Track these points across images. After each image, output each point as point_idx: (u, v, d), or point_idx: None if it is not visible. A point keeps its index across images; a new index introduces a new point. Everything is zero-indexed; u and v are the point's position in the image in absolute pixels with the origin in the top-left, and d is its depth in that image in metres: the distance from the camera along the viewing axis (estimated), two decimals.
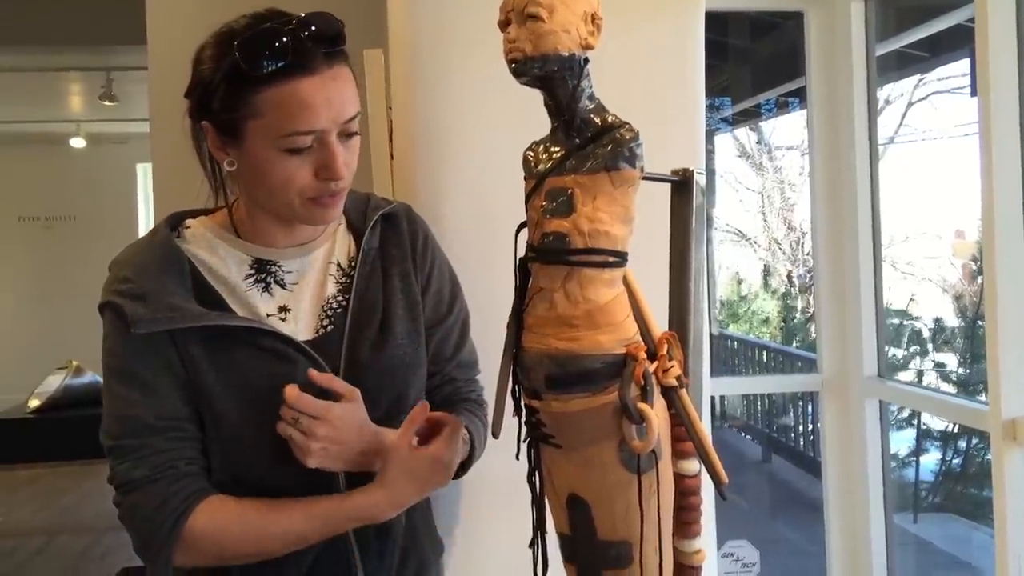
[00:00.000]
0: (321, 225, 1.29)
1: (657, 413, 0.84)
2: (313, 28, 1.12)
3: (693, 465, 0.92)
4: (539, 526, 0.95)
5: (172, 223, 1.28)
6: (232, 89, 1.12)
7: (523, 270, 0.90)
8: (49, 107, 8.15)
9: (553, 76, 0.84)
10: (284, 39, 1.10)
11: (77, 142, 8.56)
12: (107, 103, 6.69)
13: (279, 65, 1.09)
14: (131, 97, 6.80)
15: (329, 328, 1.25)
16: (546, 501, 0.94)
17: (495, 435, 0.95)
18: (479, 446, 1.33)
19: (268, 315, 1.23)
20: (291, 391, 1.13)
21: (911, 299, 6.53)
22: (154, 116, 2.15)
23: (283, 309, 1.25)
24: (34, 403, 7.44)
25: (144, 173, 9.32)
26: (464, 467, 1.31)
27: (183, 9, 2.25)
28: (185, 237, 1.26)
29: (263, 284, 1.25)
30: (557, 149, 0.87)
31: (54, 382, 7.56)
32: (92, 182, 9.04)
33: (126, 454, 1.15)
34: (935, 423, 5.93)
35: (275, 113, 1.11)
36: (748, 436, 7.55)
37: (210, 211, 1.31)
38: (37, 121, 8.39)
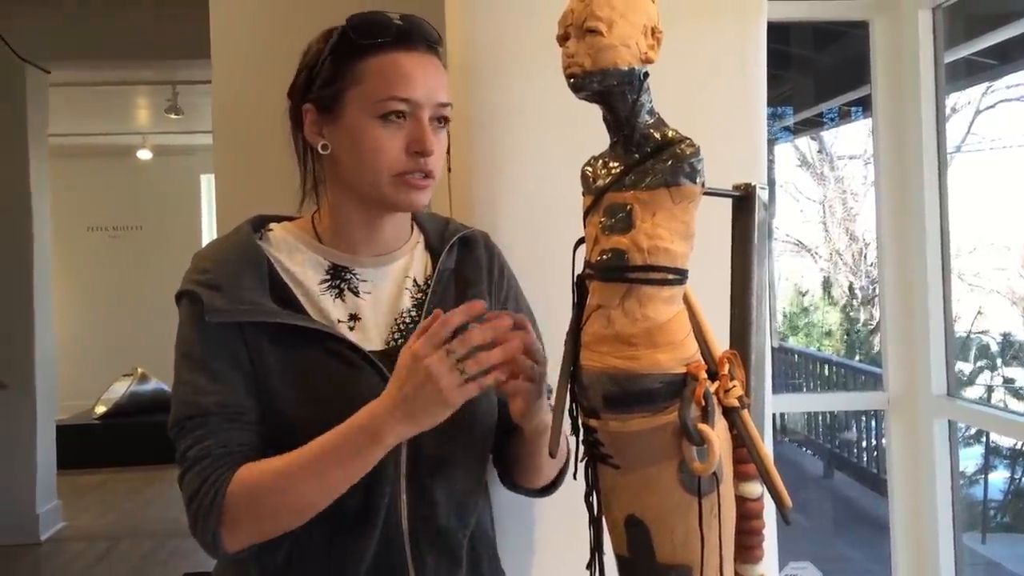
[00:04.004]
0: (405, 211, 1.29)
1: (718, 434, 0.82)
2: (416, 22, 1.23)
3: (756, 488, 0.90)
4: (596, 547, 0.94)
5: (256, 224, 1.31)
6: (337, 60, 1.22)
7: (580, 287, 0.88)
8: (117, 120, 8.36)
9: (612, 91, 0.83)
10: (392, 19, 1.21)
11: (144, 154, 8.77)
12: (173, 116, 6.82)
13: (385, 39, 1.20)
14: (196, 110, 6.94)
15: (400, 341, 1.26)
16: (604, 522, 0.92)
17: (552, 454, 0.93)
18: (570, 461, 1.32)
19: (339, 321, 1.25)
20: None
21: (979, 312, 6.38)
22: (217, 128, 2.19)
23: (353, 317, 1.26)
24: (100, 409, 7.64)
25: (208, 184, 9.50)
26: (561, 474, 1.32)
27: (246, 24, 2.29)
28: (267, 239, 1.30)
29: (337, 290, 1.27)
30: (616, 164, 0.86)
31: (119, 389, 7.75)
32: (158, 193, 9.24)
33: (187, 435, 1.18)
34: (1004, 440, 5.78)
35: (375, 79, 1.19)
36: (809, 451, 7.42)
37: (294, 218, 1.34)
38: (105, 134, 8.61)
